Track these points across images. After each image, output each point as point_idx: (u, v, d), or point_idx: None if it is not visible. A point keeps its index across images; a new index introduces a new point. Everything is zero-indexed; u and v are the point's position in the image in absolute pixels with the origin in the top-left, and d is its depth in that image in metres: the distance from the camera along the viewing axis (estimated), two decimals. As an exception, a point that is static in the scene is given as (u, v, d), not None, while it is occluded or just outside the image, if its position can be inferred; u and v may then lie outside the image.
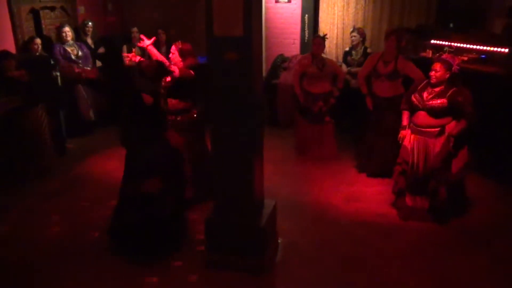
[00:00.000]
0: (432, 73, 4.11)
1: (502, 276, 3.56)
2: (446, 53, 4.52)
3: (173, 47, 4.46)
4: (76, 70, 6.41)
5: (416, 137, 4.23)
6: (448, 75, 4.07)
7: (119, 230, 3.83)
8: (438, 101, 4.05)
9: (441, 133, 4.10)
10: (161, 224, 3.72)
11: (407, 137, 4.32)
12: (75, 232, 4.20)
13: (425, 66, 4.43)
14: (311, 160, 5.76)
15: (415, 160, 4.24)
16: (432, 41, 6.24)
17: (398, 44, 4.96)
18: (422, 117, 4.17)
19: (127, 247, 3.80)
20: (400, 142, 4.39)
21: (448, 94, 4.04)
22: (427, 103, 4.11)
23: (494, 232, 4.13)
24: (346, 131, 6.47)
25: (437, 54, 4.38)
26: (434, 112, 4.09)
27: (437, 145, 4.11)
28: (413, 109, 4.28)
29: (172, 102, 4.36)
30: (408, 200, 4.39)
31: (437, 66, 4.09)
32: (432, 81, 4.12)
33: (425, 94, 4.16)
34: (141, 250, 3.74)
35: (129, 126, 3.80)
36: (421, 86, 4.26)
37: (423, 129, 4.17)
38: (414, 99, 4.23)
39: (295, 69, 5.94)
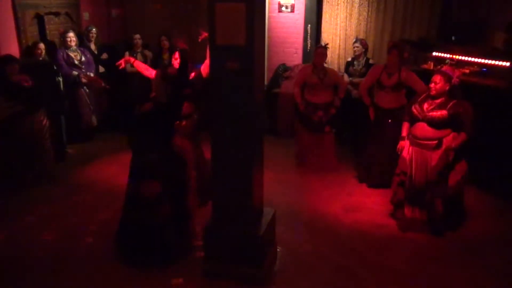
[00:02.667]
0: (432, 85, 4.13)
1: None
2: (447, 65, 4.54)
3: (176, 53, 4.51)
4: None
5: (415, 148, 4.25)
6: (447, 87, 4.09)
7: (122, 234, 3.82)
8: (438, 113, 4.07)
9: (438, 146, 4.11)
10: (153, 232, 3.67)
11: (406, 148, 4.34)
12: (74, 238, 4.18)
13: (427, 78, 4.44)
14: (311, 170, 5.75)
15: (413, 171, 4.25)
16: (434, 54, 6.27)
17: (401, 57, 4.99)
18: (420, 128, 4.19)
19: (125, 253, 3.79)
20: (398, 153, 4.40)
21: (449, 106, 4.06)
22: (427, 114, 4.12)
23: (491, 246, 4.11)
24: (346, 141, 6.48)
25: (439, 66, 4.40)
26: (434, 123, 4.11)
27: (434, 158, 4.12)
28: (413, 120, 4.30)
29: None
30: (407, 211, 4.38)
31: (437, 78, 4.12)
32: (431, 93, 4.15)
33: (425, 106, 4.19)
34: (136, 257, 3.72)
35: (137, 128, 3.78)
36: (421, 98, 4.28)
37: (421, 141, 4.19)
38: (414, 110, 4.25)
39: (296, 78, 5.95)
